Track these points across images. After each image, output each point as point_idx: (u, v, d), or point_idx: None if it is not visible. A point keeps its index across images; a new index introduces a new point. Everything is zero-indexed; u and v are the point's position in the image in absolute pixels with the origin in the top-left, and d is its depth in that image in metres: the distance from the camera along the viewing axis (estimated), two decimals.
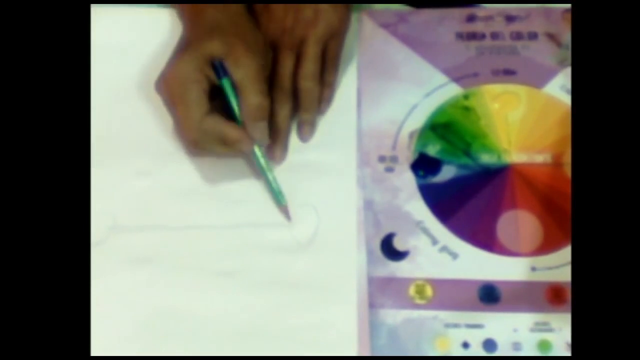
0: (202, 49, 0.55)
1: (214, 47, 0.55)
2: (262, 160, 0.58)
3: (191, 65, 0.55)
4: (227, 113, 0.56)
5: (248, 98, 0.56)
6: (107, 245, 0.56)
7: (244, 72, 0.56)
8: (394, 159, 0.60)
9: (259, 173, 0.59)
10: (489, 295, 0.55)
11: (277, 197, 0.58)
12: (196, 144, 0.56)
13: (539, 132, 0.61)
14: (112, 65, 0.63)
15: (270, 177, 0.58)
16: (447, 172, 0.60)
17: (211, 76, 0.56)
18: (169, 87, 0.55)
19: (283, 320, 0.54)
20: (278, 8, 0.60)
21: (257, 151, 0.57)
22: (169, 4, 0.66)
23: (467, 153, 0.60)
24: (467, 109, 0.62)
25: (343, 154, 0.60)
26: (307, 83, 0.60)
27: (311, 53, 0.59)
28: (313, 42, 0.59)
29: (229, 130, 0.55)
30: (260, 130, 0.57)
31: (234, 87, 0.56)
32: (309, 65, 0.59)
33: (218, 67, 0.56)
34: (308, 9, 0.60)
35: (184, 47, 0.56)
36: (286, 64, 0.60)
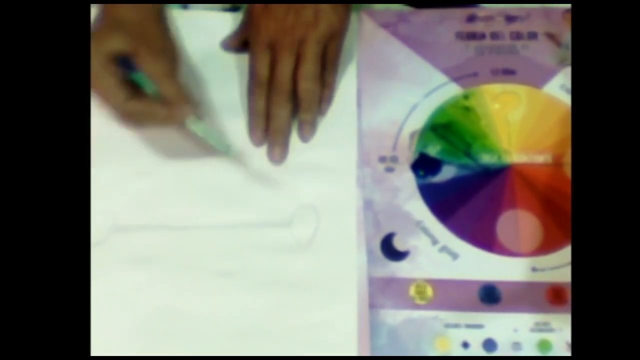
0: (104, 45, 0.55)
1: (115, 43, 0.55)
2: (200, 127, 0.57)
3: (96, 59, 0.55)
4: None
5: (166, 88, 0.56)
6: (107, 245, 0.56)
7: (155, 68, 0.56)
8: (394, 159, 0.60)
9: (259, 173, 0.59)
10: (490, 296, 0.55)
11: (226, 150, 0.58)
12: (127, 123, 0.57)
13: (539, 132, 0.61)
14: None
15: (211, 136, 0.58)
16: (447, 172, 0.60)
17: (119, 71, 0.56)
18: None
19: (283, 320, 0.54)
20: (278, 8, 0.60)
21: (193, 122, 0.57)
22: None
23: (468, 153, 0.60)
24: (467, 109, 0.62)
25: (343, 154, 0.60)
26: (308, 83, 0.60)
27: (311, 53, 0.59)
28: (313, 43, 0.59)
29: (157, 110, 0.56)
30: (188, 109, 0.56)
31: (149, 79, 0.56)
32: (309, 66, 0.59)
33: (127, 63, 0.56)
34: (308, 10, 0.60)
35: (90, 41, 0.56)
36: (286, 65, 0.60)
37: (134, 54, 0.56)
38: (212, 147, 0.58)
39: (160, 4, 0.61)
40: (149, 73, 0.56)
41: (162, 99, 0.56)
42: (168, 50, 0.59)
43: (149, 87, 0.56)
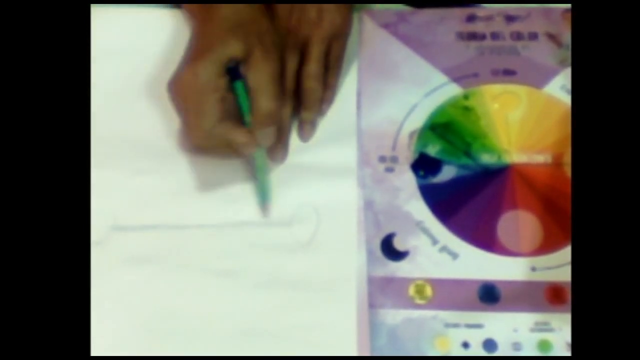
0: (222, 52, 0.53)
1: (234, 49, 0.53)
2: (262, 162, 0.57)
3: (211, 70, 0.52)
4: (237, 111, 0.55)
5: (261, 103, 0.54)
6: (107, 244, 0.56)
7: (260, 77, 0.54)
8: (394, 159, 0.60)
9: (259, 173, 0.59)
10: (489, 295, 0.55)
11: (264, 198, 0.57)
12: (202, 148, 0.56)
13: (539, 132, 0.61)
14: (112, 65, 0.63)
15: (264, 179, 0.57)
16: (447, 172, 0.60)
17: (228, 81, 0.54)
18: (184, 92, 0.53)
19: (283, 320, 0.54)
20: (282, 8, 0.60)
21: (259, 153, 0.57)
22: (169, 4, 0.66)
23: (467, 153, 0.60)
24: (467, 109, 0.62)
25: (343, 154, 0.60)
26: (311, 83, 0.60)
27: (315, 53, 0.59)
28: (317, 42, 0.59)
29: (236, 135, 0.54)
30: (268, 135, 0.56)
31: (247, 89, 0.54)
32: (313, 65, 0.59)
33: (233, 70, 0.54)
34: (312, 9, 0.60)
35: (203, 49, 0.53)
36: (289, 64, 0.60)
37: (248, 57, 0.53)
38: (255, 182, 0.58)
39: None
40: (253, 82, 0.54)
41: (255, 113, 0.54)
42: (278, 45, 0.56)
43: (245, 99, 0.54)
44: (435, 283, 0.55)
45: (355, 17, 0.65)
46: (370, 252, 0.56)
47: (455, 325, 0.54)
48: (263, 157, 0.57)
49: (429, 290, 0.55)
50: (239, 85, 0.54)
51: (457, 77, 0.63)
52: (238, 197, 0.58)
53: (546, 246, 0.56)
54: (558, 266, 0.55)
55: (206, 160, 0.59)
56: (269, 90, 0.54)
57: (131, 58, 0.64)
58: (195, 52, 0.54)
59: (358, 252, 0.56)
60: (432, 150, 0.60)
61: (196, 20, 0.58)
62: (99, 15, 0.62)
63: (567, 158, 0.60)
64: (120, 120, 0.61)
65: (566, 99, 0.62)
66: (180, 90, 0.53)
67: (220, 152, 0.56)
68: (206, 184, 0.59)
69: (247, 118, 0.55)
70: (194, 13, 0.59)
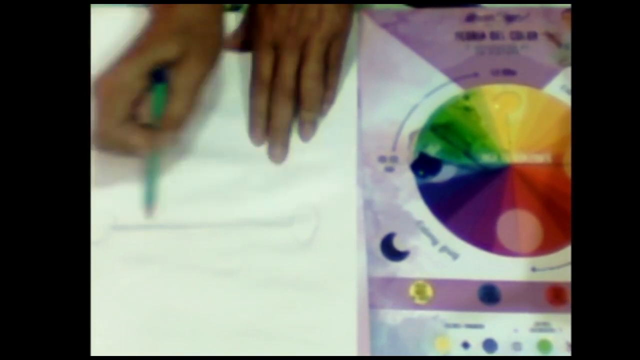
0: (156, 53, 0.53)
1: (169, 52, 0.53)
2: (154, 166, 0.57)
3: (134, 72, 0.52)
4: (148, 113, 0.55)
5: (175, 106, 0.54)
6: (107, 244, 0.56)
7: (186, 80, 0.54)
8: (394, 159, 0.60)
9: (261, 172, 0.59)
10: (489, 295, 0.55)
11: (149, 200, 0.57)
12: (102, 149, 0.54)
13: (539, 132, 0.61)
14: None
15: (153, 182, 0.57)
16: (447, 172, 0.60)
17: (146, 87, 0.54)
18: (100, 91, 0.52)
19: (283, 320, 0.54)
20: (282, 8, 0.60)
21: (154, 157, 0.57)
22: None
23: (467, 153, 0.60)
24: (467, 109, 0.62)
25: (343, 154, 0.60)
26: (311, 83, 0.60)
27: (315, 53, 0.59)
28: (317, 42, 0.59)
29: (132, 137, 0.53)
30: (170, 140, 0.55)
31: (167, 91, 0.54)
32: (313, 65, 0.59)
33: (158, 73, 0.53)
34: (312, 9, 0.60)
35: (137, 49, 0.54)
36: (289, 64, 0.60)
37: (181, 58, 0.53)
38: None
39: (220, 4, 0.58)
40: (179, 82, 0.54)
41: (166, 116, 0.54)
42: (215, 56, 0.56)
43: (162, 102, 0.54)
44: (436, 283, 0.55)
45: (355, 17, 0.65)
46: (370, 252, 0.56)
47: (456, 326, 0.54)
48: (157, 161, 0.57)
49: (429, 291, 0.55)
50: (160, 88, 0.54)
51: (457, 77, 0.63)
52: (238, 197, 0.58)
53: (546, 246, 0.56)
54: (558, 266, 0.55)
55: (207, 159, 0.59)
56: (188, 95, 0.54)
57: None
58: (129, 52, 0.54)
59: (358, 252, 0.56)
60: (432, 150, 0.60)
61: (151, 18, 0.57)
62: (99, 15, 0.62)
63: (567, 158, 0.60)
64: None
65: (566, 99, 0.62)
66: (98, 89, 0.53)
67: (116, 152, 0.55)
68: (206, 184, 0.59)
69: (156, 122, 0.54)
70: (155, 11, 0.58)
